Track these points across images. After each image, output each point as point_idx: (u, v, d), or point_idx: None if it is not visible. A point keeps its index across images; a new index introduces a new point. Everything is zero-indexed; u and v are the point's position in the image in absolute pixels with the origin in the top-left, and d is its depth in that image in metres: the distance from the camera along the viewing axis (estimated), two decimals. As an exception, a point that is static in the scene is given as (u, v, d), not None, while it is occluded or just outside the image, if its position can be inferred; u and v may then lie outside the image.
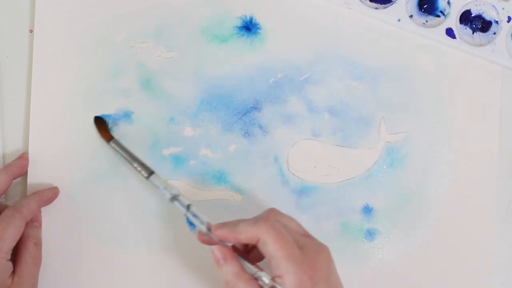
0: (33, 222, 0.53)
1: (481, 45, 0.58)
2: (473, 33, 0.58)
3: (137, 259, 0.56)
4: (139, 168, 0.53)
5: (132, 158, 0.54)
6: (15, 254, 0.51)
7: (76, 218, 0.56)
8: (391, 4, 0.58)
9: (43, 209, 0.54)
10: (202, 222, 0.49)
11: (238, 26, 0.57)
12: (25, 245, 0.51)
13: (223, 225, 0.47)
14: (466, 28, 0.58)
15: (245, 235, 0.46)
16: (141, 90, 0.57)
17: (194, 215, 0.50)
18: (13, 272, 0.50)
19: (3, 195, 0.55)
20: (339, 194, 0.57)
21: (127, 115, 0.56)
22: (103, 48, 0.56)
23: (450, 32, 0.58)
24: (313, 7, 0.58)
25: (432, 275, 0.57)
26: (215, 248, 0.47)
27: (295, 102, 0.57)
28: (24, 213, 0.51)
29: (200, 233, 0.49)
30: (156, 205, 0.56)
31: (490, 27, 0.58)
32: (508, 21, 0.58)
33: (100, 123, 0.56)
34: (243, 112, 0.57)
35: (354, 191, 0.57)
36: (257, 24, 0.57)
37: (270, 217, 0.48)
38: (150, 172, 0.53)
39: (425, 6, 0.58)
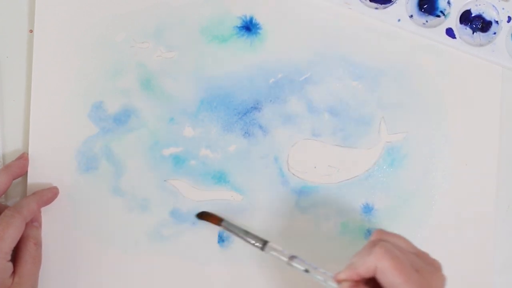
0: (33, 222, 0.53)
1: (481, 45, 0.58)
2: (473, 33, 0.58)
3: (137, 259, 0.56)
4: (252, 241, 0.53)
5: (244, 233, 0.54)
6: (15, 254, 0.51)
7: (76, 218, 0.56)
8: (391, 4, 0.58)
9: (43, 209, 0.54)
10: (326, 279, 0.47)
11: (238, 26, 0.57)
12: (25, 245, 0.51)
13: (343, 270, 0.46)
14: (466, 28, 0.58)
15: (364, 267, 0.44)
16: (141, 90, 0.57)
17: (317, 274, 0.48)
18: (13, 272, 0.50)
19: (3, 195, 0.55)
20: (339, 194, 0.57)
21: (127, 115, 0.56)
22: (103, 48, 0.56)
23: (450, 32, 0.58)
24: (313, 7, 0.58)
25: (432, 275, 0.57)
26: None
27: (295, 102, 0.57)
28: (24, 213, 0.51)
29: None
30: (156, 205, 0.56)
31: (490, 27, 0.58)
32: (508, 21, 0.58)
33: (205, 215, 0.56)
34: (243, 112, 0.57)
35: (354, 191, 0.57)
36: (257, 24, 0.57)
37: (380, 240, 0.46)
38: (264, 242, 0.52)
39: (425, 6, 0.58)
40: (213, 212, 0.56)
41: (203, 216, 0.56)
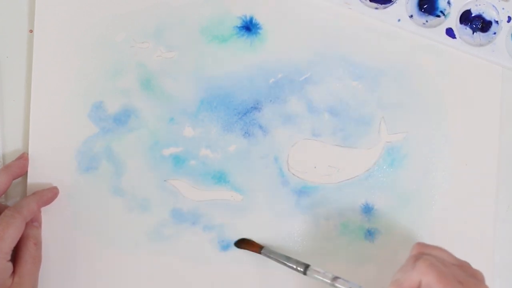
0: (33, 222, 0.53)
1: (481, 45, 0.58)
2: (473, 33, 0.58)
3: (137, 259, 0.56)
4: (294, 266, 0.53)
5: (285, 258, 0.54)
6: (15, 254, 0.51)
7: (76, 218, 0.56)
8: (391, 4, 0.58)
9: (43, 209, 0.54)
10: None
11: (238, 26, 0.57)
12: (25, 245, 0.51)
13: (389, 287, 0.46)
14: (466, 28, 0.58)
15: (408, 282, 0.44)
16: (141, 90, 0.57)
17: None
18: (13, 272, 0.50)
19: (3, 195, 0.55)
20: (339, 194, 0.57)
21: (127, 115, 0.56)
22: (103, 48, 0.56)
23: (450, 32, 0.58)
24: (313, 7, 0.58)
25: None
26: None
27: (295, 102, 0.57)
28: (24, 213, 0.51)
29: None
30: (157, 205, 0.56)
31: (490, 27, 0.58)
32: (508, 21, 0.58)
33: (245, 243, 0.56)
34: (243, 112, 0.57)
35: (354, 191, 0.57)
36: (257, 24, 0.57)
37: (422, 254, 0.46)
38: (306, 266, 0.53)
39: (425, 6, 0.58)
40: (252, 240, 0.56)
41: (243, 244, 0.56)
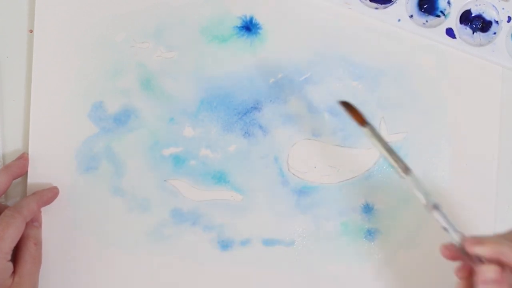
0: (33, 222, 0.53)
1: (481, 45, 0.58)
2: (473, 33, 0.58)
3: (137, 259, 0.56)
4: (395, 164, 0.47)
5: (388, 148, 0.48)
6: (15, 254, 0.51)
7: (76, 218, 0.56)
8: (391, 4, 0.58)
9: (43, 209, 0.54)
10: (457, 237, 0.45)
11: (238, 26, 0.57)
12: (25, 245, 0.51)
13: (481, 241, 0.44)
14: (466, 28, 0.58)
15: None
16: (141, 90, 0.57)
17: (452, 227, 0.46)
18: (13, 272, 0.50)
19: (3, 195, 0.55)
20: (339, 194, 0.57)
21: (127, 115, 0.56)
22: (103, 48, 0.56)
23: (450, 32, 0.58)
24: (313, 7, 0.58)
25: (432, 275, 0.57)
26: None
27: (295, 102, 0.57)
28: (24, 213, 0.51)
29: (447, 247, 0.46)
30: (157, 205, 0.56)
31: (490, 27, 0.58)
32: (508, 21, 0.58)
33: (350, 107, 0.50)
34: (243, 112, 0.57)
35: (354, 191, 0.57)
36: (257, 24, 0.57)
37: None
38: (407, 169, 0.47)
39: (425, 6, 0.58)
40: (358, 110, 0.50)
41: (348, 106, 0.50)
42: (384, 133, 0.58)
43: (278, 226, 0.57)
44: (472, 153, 0.58)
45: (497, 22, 0.58)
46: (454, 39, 0.58)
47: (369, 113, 0.58)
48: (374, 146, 0.49)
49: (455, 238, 0.46)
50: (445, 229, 0.46)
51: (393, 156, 0.48)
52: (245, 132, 0.57)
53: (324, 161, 0.57)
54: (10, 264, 0.50)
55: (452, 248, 0.46)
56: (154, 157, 0.56)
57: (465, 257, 0.46)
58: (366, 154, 0.58)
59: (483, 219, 0.58)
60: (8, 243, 0.49)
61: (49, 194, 0.54)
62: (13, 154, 0.56)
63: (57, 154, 0.56)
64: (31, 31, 0.56)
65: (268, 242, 0.57)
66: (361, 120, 0.49)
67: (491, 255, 0.44)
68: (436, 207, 0.46)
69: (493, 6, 0.58)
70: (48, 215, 0.55)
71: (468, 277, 0.46)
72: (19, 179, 0.55)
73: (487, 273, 0.43)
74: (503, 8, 0.58)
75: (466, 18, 0.58)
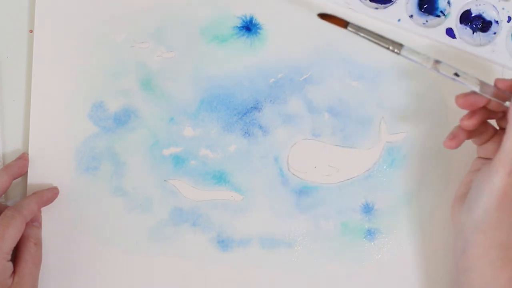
0: (33, 222, 0.53)
1: (481, 45, 0.58)
2: (473, 33, 0.58)
3: (137, 259, 0.56)
4: (386, 46, 0.48)
5: (376, 35, 0.49)
6: (15, 254, 0.51)
7: (76, 218, 0.56)
8: (391, 4, 0.58)
9: (43, 209, 0.54)
10: (473, 82, 0.45)
11: (238, 26, 0.57)
12: (25, 245, 0.51)
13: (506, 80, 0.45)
14: (466, 28, 0.58)
15: None
16: (141, 90, 0.57)
17: (466, 82, 0.46)
18: (13, 272, 0.50)
19: (3, 195, 0.55)
20: (339, 194, 0.57)
21: (127, 115, 0.56)
22: (103, 48, 0.56)
23: (450, 32, 0.58)
24: (313, 7, 0.58)
25: (432, 275, 0.57)
26: None
27: (295, 102, 0.58)
28: (24, 213, 0.51)
29: (466, 95, 0.46)
30: (157, 205, 0.56)
31: (490, 27, 0.58)
32: (508, 21, 0.58)
33: (328, 17, 0.51)
34: (243, 112, 0.57)
35: (354, 191, 0.57)
36: (257, 24, 0.57)
37: None
38: (400, 46, 0.48)
39: (425, 6, 0.58)
40: (336, 14, 0.50)
41: (326, 17, 0.51)
42: (384, 133, 0.58)
43: (278, 226, 0.57)
44: (472, 153, 0.58)
45: (497, 22, 0.58)
46: (454, 39, 0.58)
47: (369, 113, 0.58)
48: (364, 39, 0.49)
49: (470, 84, 0.46)
50: (456, 76, 0.46)
51: (382, 40, 0.49)
52: (245, 132, 0.57)
53: (324, 161, 0.57)
54: (10, 264, 0.50)
55: (470, 96, 0.46)
56: (154, 157, 0.56)
57: (483, 101, 0.46)
58: (366, 154, 0.58)
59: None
60: (8, 243, 0.49)
61: (49, 194, 0.54)
62: (13, 154, 0.56)
63: (57, 154, 0.56)
64: (31, 31, 0.56)
65: (268, 242, 0.57)
66: (343, 23, 0.50)
67: None
68: (439, 61, 0.48)
69: (493, 6, 0.58)
70: (48, 215, 0.55)
71: (478, 129, 0.48)
72: (19, 179, 0.55)
73: None
74: (503, 8, 0.58)
75: (466, 18, 0.58)
